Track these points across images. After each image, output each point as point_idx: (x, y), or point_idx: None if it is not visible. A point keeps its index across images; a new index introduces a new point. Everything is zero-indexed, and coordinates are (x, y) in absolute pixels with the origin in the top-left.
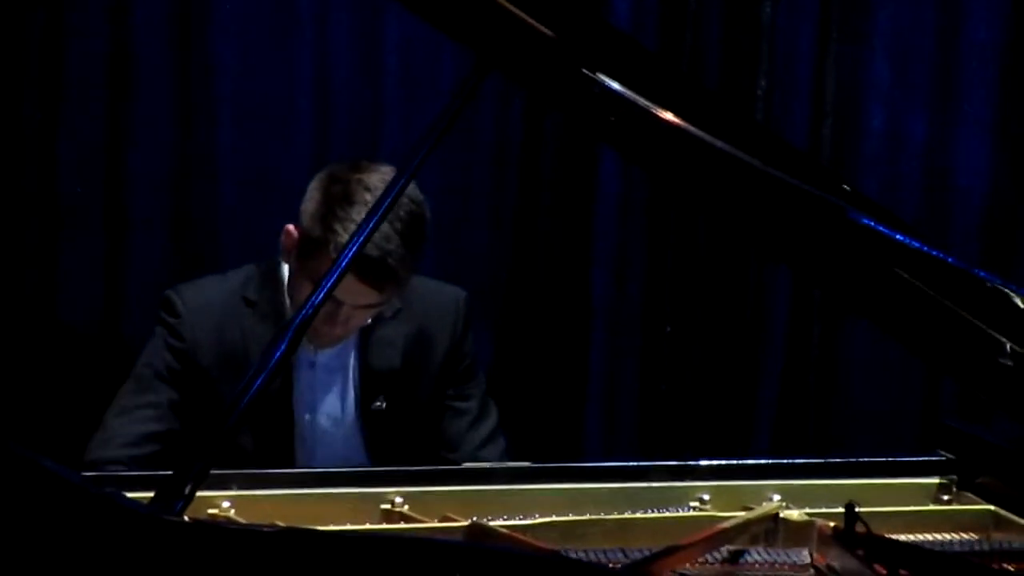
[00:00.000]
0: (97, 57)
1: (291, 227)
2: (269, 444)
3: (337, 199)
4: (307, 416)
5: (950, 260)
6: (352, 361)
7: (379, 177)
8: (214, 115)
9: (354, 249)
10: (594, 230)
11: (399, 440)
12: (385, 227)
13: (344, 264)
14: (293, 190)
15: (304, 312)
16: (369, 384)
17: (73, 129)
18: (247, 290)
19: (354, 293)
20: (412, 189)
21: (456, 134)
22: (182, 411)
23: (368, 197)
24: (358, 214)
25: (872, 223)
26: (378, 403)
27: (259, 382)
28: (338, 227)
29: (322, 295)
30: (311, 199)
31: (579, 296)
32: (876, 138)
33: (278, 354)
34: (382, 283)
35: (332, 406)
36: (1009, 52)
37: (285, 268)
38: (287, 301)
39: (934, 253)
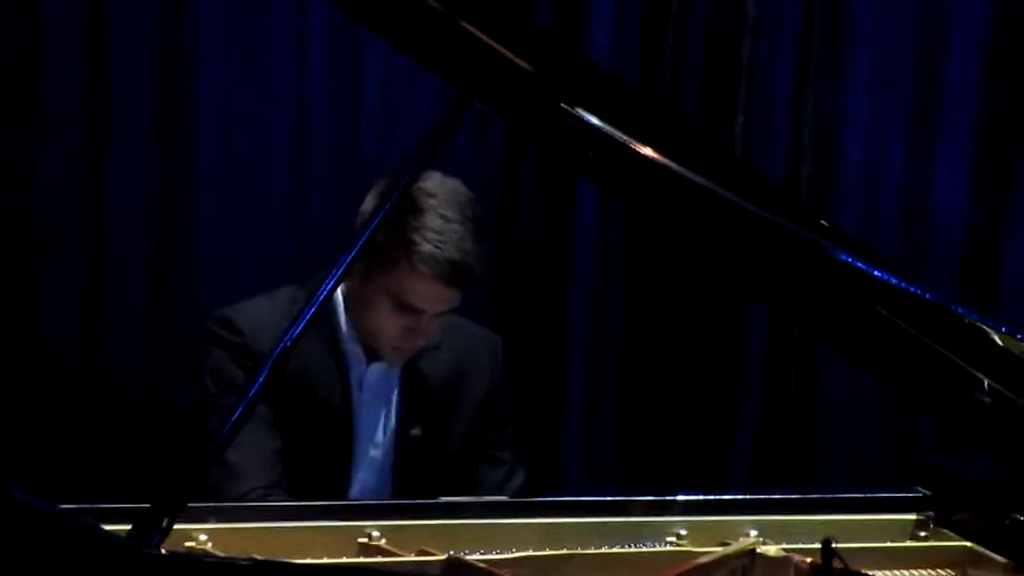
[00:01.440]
0: (74, 84)
1: None
2: (326, 467)
3: (406, 210)
4: (356, 437)
5: (928, 296)
6: (395, 387)
7: (434, 183)
8: (193, 141)
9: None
10: (573, 263)
11: (427, 474)
12: (456, 228)
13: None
14: (272, 216)
15: (285, 342)
16: (409, 410)
17: (52, 154)
18: (296, 309)
19: (439, 300)
20: (461, 185)
21: (435, 166)
22: (281, 426)
23: (433, 202)
24: (430, 220)
25: (851, 259)
26: (415, 431)
27: (238, 414)
28: (416, 237)
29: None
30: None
31: (557, 329)
32: (854, 173)
33: (256, 387)
34: (467, 284)
35: (374, 430)
36: (987, 87)
37: None
38: (340, 320)
39: (912, 289)
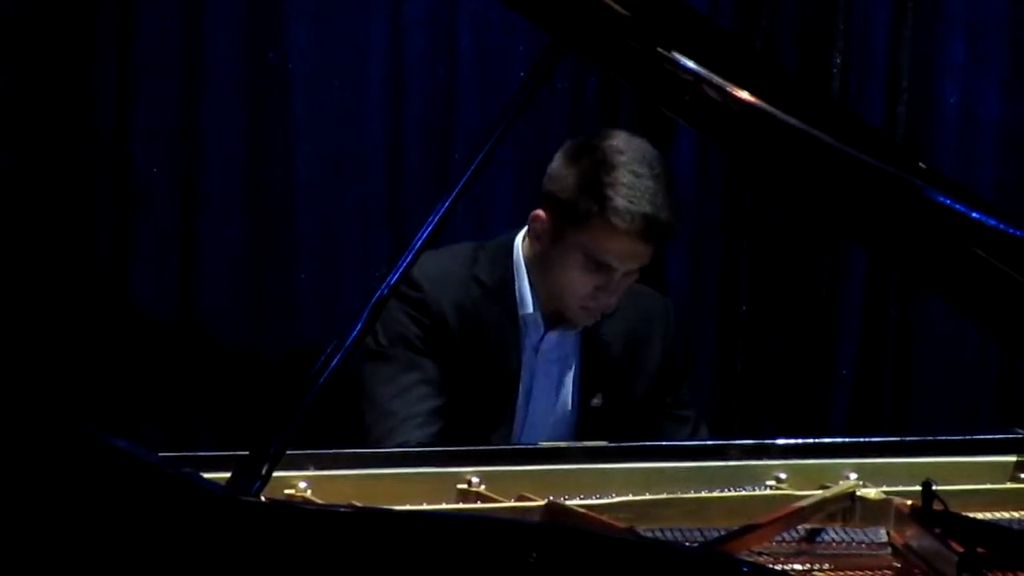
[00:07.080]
0: (169, 35)
1: (540, 212)
2: (490, 425)
3: (598, 167)
4: (523, 402)
5: None
6: (572, 354)
7: (622, 140)
8: (287, 94)
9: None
10: None
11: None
12: (648, 184)
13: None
14: (366, 169)
15: (382, 289)
16: (589, 380)
17: (146, 109)
18: (476, 269)
19: (632, 256)
20: (647, 143)
21: (531, 114)
22: (446, 385)
23: (623, 159)
24: (622, 176)
25: (948, 201)
26: (596, 400)
27: (336, 360)
28: (611, 192)
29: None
30: (567, 175)
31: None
32: (951, 115)
33: (355, 332)
34: (661, 239)
35: (548, 397)
36: None
37: (518, 250)
38: (518, 284)
39: (1011, 231)
